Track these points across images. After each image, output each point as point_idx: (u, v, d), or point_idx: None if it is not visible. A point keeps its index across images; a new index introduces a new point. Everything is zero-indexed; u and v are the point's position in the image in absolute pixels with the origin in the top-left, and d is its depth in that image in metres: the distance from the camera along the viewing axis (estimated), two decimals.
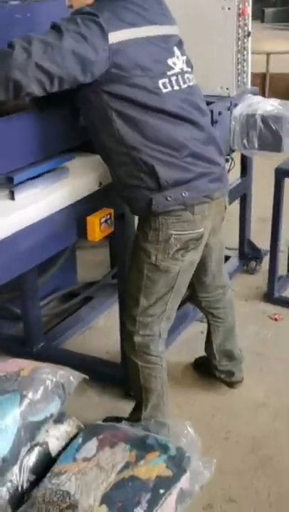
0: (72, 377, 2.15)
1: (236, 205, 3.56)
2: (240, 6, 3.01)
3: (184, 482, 1.97)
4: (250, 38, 3.18)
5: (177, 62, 2.10)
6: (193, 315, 3.14)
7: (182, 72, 2.11)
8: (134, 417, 2.42)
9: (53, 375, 2.10)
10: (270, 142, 3.05)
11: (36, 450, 2.05)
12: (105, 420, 2.41)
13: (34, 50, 1.83)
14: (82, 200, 2.10)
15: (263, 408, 2.64)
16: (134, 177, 2.04)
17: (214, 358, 2.71)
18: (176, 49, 2.11)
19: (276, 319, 3.24)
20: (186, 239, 2.13)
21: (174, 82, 2.06)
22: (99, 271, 3.52)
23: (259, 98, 3.25)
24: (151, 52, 2.02)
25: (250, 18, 3.15)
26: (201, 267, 2.41)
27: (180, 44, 2.17)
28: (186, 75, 2.13)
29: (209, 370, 2.77)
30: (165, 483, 1.91)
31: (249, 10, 3.09)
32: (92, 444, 2.09)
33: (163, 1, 2.20)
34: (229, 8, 2.99)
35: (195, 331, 3.13)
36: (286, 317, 3.28)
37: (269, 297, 3.39)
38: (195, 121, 2.11)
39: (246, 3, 3.07)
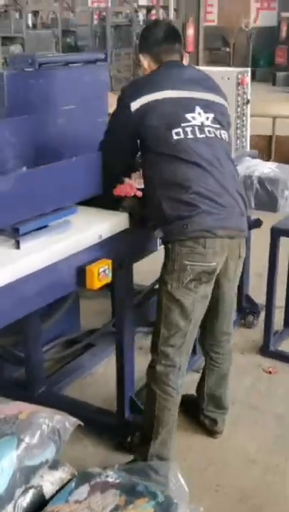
0: (67, 422, 2.24)
1: None
2: (239, 77, 3.23)
3: None
4: (249, 105, 3.39)
5: (197, 117, 2.46)
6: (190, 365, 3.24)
7: (202, 126, 2.45)
8: (142, 452, 2.55)
9: (49, 419, 2.19)
10: (266, 202, 3.22)
11: (31, 492, 2.13)
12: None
13: None
14: (82, 251, 2.27)
15: (253, 464, 2.72)
16: (154, 209, 2.42)
17: (203, 401, 2.83)
18: (197, 107, 2.47)
19: (270, 372, 3.34)
20: (198, 270, 2.37)
21: (189, 132, 2.41)
22: (100, 319, 3.64)
23: (257, 161, 3.45)
24: (167, 110, 2.43)
25: (250, 86, 3.37)
26: (214, 310, 2.62)
27: (207, 105, 2.51)
28: (207, 129, 2.46)
29: (195, 412, 2.88)
30: None
31: (248, 80, 3.30)
32: (84, 489, 2.17)
33: (205, 75, 2.64)
34: (228, 78, 3.21)
35: (193, 379, 3.21)
36: (281, 370, 3.38)
37: (264, 351, 3.50)
38: (204, 165, 2.39)
39: (245, 74, 3.29)
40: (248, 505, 2.49)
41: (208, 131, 2.46)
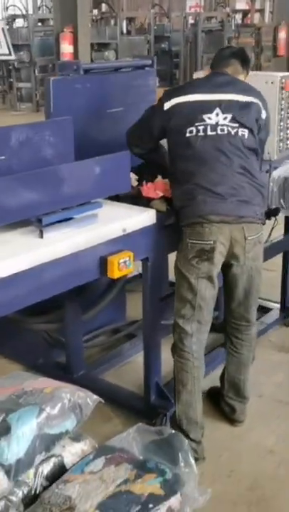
0: (89, 399, 2.43)
1: (279, 259, 3.78)
2: (283, 81, 3.31)
3: (173, 502, 2.19)
4: None
5: (214, 117, 2.73)
6: (221, 359, 3.36)
7: (215, 125, 2.72)
8: (172, 419, 2.82)
9: (71, 394, 2.38)
10: None
11: (52, 461, 2.33)
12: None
13: None
14: (105, 243, 2.48)
15: (269, 455, 2.80)
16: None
17: (223, 387, 2.99)
18: (217, 109, 2.74)
19: None
20: (198, 248, 2.62)
21: (201, 130, 2.70)
22: None
23: None
24: (189, 110, 2.75)
25: None
26: (229, 292, 2.84)
27: (228, 106, 2.75)
28: (220, 127, 2.72)
29: (218, 400, 3.01)
30: (155, 500, 2.15)
31: None
32: (100, 461, 2.36)
33: (236, 80, 2.89)
34: (272, 83, 3.30)
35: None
36: None
37: None
38: (206, 159, 2.67)
39: None
40: (256, 493, 2.59)
41: (221, 130, 2.71)
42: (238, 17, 17.02)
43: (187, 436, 2.64)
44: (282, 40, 13.35)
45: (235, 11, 17.06)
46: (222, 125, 2.72)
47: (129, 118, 3.31)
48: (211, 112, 2.73)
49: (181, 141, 2.71)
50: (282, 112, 3.37)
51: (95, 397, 2.43)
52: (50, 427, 2.29)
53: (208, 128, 2.70)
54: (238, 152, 2.70)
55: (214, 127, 2.71)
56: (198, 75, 3.46)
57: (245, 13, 17.56)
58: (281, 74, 3.37)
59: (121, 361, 3.50)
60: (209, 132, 2.70)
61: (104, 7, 14.93)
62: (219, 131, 2.71)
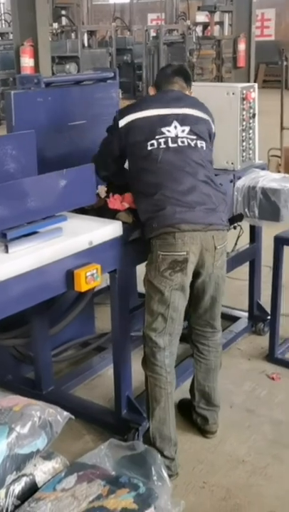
0: (59, 416, 2.40)
1: (246, 268, 3.81)
2: (244, 92, 3.35)
3: None
4: (256, 119, 3.50)
5: (172, 130, 2.76)
6: (191, 371, 3.36)
7: (175, 137, 2.74)
8: (145, 435, 2.81)
9: (41, 412, 2.35)
10: (269, 212, 3.32)
11: (23, 480, 2.29)
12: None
13: None
14: (71, 256, 2.45)
15: (241, 465, 2.81)
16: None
17: (194, 397, 2.98)
18: (175, 122, 2.78)
19: (273, 378, 3.41)
20: (170, 259, 2.61)
21: (162, 142, 2.72)
22: None
23: (265, 172, 3.54)
24: (146, 125, 2.77)
25: (256, 101, 3.47)
26: (196, 300, 2.81)
27: (184, 119, 2.79)
28: (180, 139, 2.75)
29: (189, 411, 3.01)
30: None
31: (253, 95, 3.41)
32: (72, 478, 2.33)
33: (187, 96, 2.94)
34: (233, 93, 3.34)
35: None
36: (284, 378, 3.44)
37: (270, 357, 3.57)
38: (171, 171, 2.67)
39: (251, 90, 3.40)
40: (230, 503, 2.58)
41: (181, 142, 2.74)
42: (199, 29, 17.20)
43: (161, 453, 2.61)
44: (242, 51, 13.55)
45: (196, 24, 17.25)
46: (182, 137, 2.75)
47: (92, 131, 3.32)
48: (169, 125, 2.76)
49: (143, 154, 2.72)
50: (244, 123, 3.41)
51: (66, 413, 2.40)
52: (21, 447, 2.25)
53: (170, 140, 2.73)
54: (201, 162, 2.74)
55: (175, 139, 2.74)
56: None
57: (205, 26, 17.76)
58: (241, 85, 3.42)
59: (91, 375, 3.47)
60: (171, 144, 2.72)
61: (64, 20, 14.93)
62: (180, 143, 2.74)
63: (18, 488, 2.27)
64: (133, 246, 2.79)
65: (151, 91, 3.01)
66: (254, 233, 3.76)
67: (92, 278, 2.47)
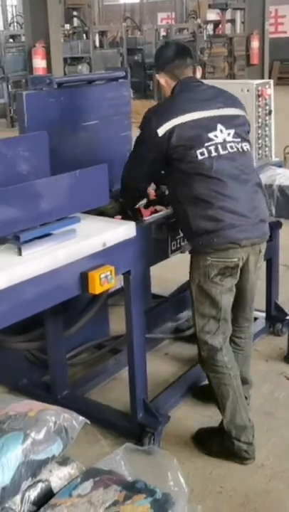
0: (74, 421, 2.36)
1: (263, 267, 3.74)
2: (259, 88, 3.29)
3: None
4: (272, 116, 3.44)
5: (219, 135, 2.65)
6: None
7: (224, 142, 2.64)
8: (221, 426, 2.81)
9: (56, 417, 2.31)
10: (287, 210, 3.26)
11: (39, 486, 2.26)
12: (200, 431, 2.94)
13: None
14: (85, 258, 2.41)
15: (260, 469, 2.75)
16: (182, 224, 2.70)
17: None
18: (219, 125, 2.66)
19: None
20: (222, 266, 2.62)
21: (212, 150, 2.60)
22: None
23: (282, 170, 3.48)
24: (191, 131, 2.62)
25: (272, 98, 3.41)
26: (239, 300, 2.83)
27: (227, 121, 2.69)
28: (229, 144, 2.65)
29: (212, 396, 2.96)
30: None
31: (269, 91, 3.35)
32: (88, 484, 2.29)
33: (222, 91, 2.81)
34: (248, 90, 3.28)
35: None
36: None
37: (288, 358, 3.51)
38: (227, 180, 2.59)
39: (267, 86, 3.34)
40: (249, 509, 2.53)
41: (231, 147, 2.65)
42: (210, 28, 17.13)
43: (238, 440, 2.75)
44: (255, 49, 13.46)
45: (207, 22, 17.19)
46: (229, 142, 2.66)
47: (105, 130, 3.28)
48: (215, 129, 2.65)
49: (193, 164, 2.59)
50: (260, 120, 3.36)
51: (81, 418, 2.36)
52: (36, 453, 2.22)
53: (219, 147, 2.62)
54: (251, 168, 2.72)
55: (224, 145, 2.64)
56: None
57: (216, 24, 17.68)
58: (257, 81, 3.36)
59: (106, 378, 3.42)
60: (221, 152, 2.62)
61: (76, 21, 14.94)
62: (230, 149, 2.64)
63: (33, 494, 2.24)
64: (147, 246, 2.74)
65: (163, 80, 2.81)
66: (271, 231, 3.68)
67: (106, 280, 2.43)
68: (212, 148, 2.61)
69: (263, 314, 3.86)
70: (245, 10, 14.18)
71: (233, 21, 17.94)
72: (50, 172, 2.73)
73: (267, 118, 3.42)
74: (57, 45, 9.12)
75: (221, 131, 2.66)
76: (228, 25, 17.86)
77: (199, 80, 2.83)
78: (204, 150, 2.60)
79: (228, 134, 2.67)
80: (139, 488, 2.28)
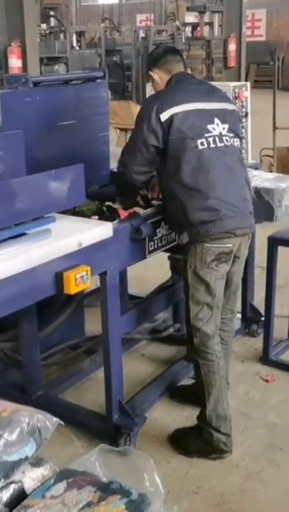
0: (48, 422, 2.34)
1: None
2: (236, 91, 3.31)
3: None
4: (248, 118, 3.46)
5: (216, 128, 2.71)
6: (186, 372, 3.33)
7: (220, 135, 2.71)
8: (201, 418, 2.85)
9: (30, 418, 2.28)
10: (263, 212, 3.28)
11: (12, 487, 2.24)
12: (176, 432, 2.94)
13: None
14: (60, 258, 2.38)
15: (236, 469, 2.76)
16: (177, 215, 2.72)
17: None
18: (216, 119, 2.73)
19: (268, 381, 3.37)
20: (218, 251, 2.69)
21: (211, 142, 2.66)
22: None
23: (258, 172, 3.51)
24: (193, 121, 2.67)
25: (249, 100, 3.43)
26: (226, 290, 2.88)
27: (223, 115, 2.76)
28: (225, 138, 2.72)
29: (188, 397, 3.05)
30: None
31: (246, 93, 3.37)
32: (62, 485, 2.27)
33: (214, 87, 2.91)
34: (225, 92, 3.28)
35: None
36: (278, 380, 3.40)
37: (264, 359, 3.53)
38: (223, 173, 2.67)
39: (243, 88, 3.36)
40: (224, 509, 2.54)
41: (226, 140, 2.72)
42: (188, 30, 17.19)
43: (218, 431, 2.78)
44: (232, 52, 13.54)
45: (185, 24, 17.24)
46: (225, 135, 2.72)
47: (82, 130, 3.26)
48: (212, 122, 2.71)
49: (193, 153, 2.63)
50: None
51: (55, 419, 2.33)
52: (9, 454, 2.19)
53: (217, 139, 2.68)
54: (241, 163, 2.78)
55: (220, 139, 2.70)
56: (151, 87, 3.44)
57: (194, 27, 17.74)
58: (233, 83, 3.39)
59: (81, 379, 3.40)
60: (219, 144, 2.68)
61: (53, 21, 14.88)
62: (226, 142, 2.71)
63: (6, 495, 2.21)
64: (124, 248, 2.74)
65: (157, 75, 2.87)
66: None
67: (81, 280, 2.41)
68: (211, 139, 2.66)
69: (239, 315, 3.88)
70: (223, 13, 14.25)
71: (211, 24, 18.01)
72: (25, 172, 2.70)
73: (243, 120, 3.44)
74: (33, 45, 9.07)
75: (218, 124, 2.71)
76: (207, 28, 17.93)
77: (192, 75, 2.91)
78: (204, 140, 2.65)
79: (224, 128, 2.72)
80: (114, 489, 2.26)
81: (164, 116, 2.64)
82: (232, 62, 13.67)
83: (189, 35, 16.83)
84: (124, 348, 3.03)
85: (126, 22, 20.24)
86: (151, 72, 2.90)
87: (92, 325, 3.75)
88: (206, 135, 2.66)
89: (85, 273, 2.43)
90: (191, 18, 19.03)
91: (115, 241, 2.66)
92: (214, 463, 2.79)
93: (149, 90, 3.49)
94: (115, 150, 3.39)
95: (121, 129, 7.66)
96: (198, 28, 17.51)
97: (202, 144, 2.64)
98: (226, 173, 2.68)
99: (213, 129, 2.69)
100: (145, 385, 3.31)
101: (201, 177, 2.63)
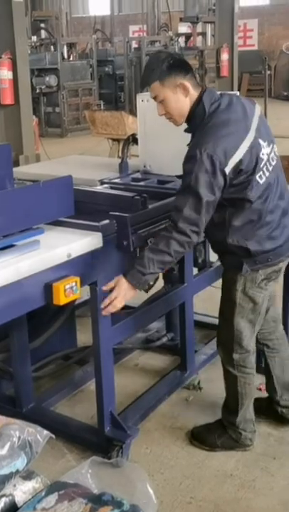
0: (39, 435, 2.32)
1: None
2: None
3: None
4: None
5: (264, 151, 2.57)
6: (179, 381, 3.31)
7: (268, 159, 2.59)
8: (228, 420, 2.93)
9: (20, 432, 2.27)
10: None
11: (3, 500, 2.22)
12: (197, 429, 3.02)
13: None
14: (49, 269, 2.38)
15: (229, 479, 2.75)
16: (235, 249, 2.63)
17: (275, 393, 3.04)
18: (260, 140, 2.55)
19: (261, 389, 3.32)
20: (270, 270, 2.69)
21: (265, 170, 2.56)
22: None
23: None
24: (251, 157, 2.50)
25: None
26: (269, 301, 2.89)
27: (259, 130, 2.54)
28: (271, 156, 2.62)
29: (270, 408, 3.09)
30: None
31: None
32: (53, 498, 2.26)
33: (245, 103, 2.64)
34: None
35: (180, 397, 3.30)
36: None
37: (257, 368, 3.46)
38: (278, 195, 2.63)
39: None
40: None
41: (272, 159, 2.63)
42: (182, 40, 17.28)
43: (245, 431, 2.89)
44: (225, 61, 13.64)
45: (178, 35, 17.32)
46: (270, 154, 2.60)
47: None
48: (260, 146, 2.52)
49: (254, 187, 2.51)
50: None
51: (46, 432, 2.33)
52: (0, 468, 2.19)
53: (268, 164, 2.57)
54: (281, 171, 2.73)
55: (270, 162, 2.59)
56: (142, 97, 3.43)
57: (188, 37, 17.83)
58: (227, 93, 3.35)
59: (73, 390, 3.38)
60: (269, 167, 2.58)
61: (43, 33, 14.94)
62: (272, 162, 2.60)
63: None
64: (114, 257, 2.72)
65: (191, 89, 2.52)
66: None
67: (71, 291, 2.41)
68: (264, 168, 2.55)
69: None
70: (215, 23, 14.33)
71: (204, 34, 18.07)
72: (13, 183, 2.71)
73: None
74: (23, 57, 9.11)
75: (263, 146, 2.55)
76: (200, 38, 18.01)
77: (222, 93, 2.66)
78: (261, 173, 2.54)
79: (267, 146, 2.58)
80: (106, 500, 2.25)
81: (228, 169, 2.42)
82: (225, 72, 13.76)
83: (183, 45, 16.92)
84: (116, 359, 3.02)
85: (118, 33, 20.32)
86: (164, 83, 2.51)
87: (84, 335, 3.74)
88: (261, 165, 2.52)
89: (74, 284, 2.42)
90: (184, 28, 19.14)
91: (105, 251, 2.65)
92: (208, 473, 2.77)
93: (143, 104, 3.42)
94: None
95: (113, 140, 7.66)
96: (192, 39, 17.61)
97: (260, 177, 2.52)
98: (280, 198, 2.64)
99: (263, 154, 2.53)
100: (138, 395, 3.29)
101: (262, 209, 2.56)
